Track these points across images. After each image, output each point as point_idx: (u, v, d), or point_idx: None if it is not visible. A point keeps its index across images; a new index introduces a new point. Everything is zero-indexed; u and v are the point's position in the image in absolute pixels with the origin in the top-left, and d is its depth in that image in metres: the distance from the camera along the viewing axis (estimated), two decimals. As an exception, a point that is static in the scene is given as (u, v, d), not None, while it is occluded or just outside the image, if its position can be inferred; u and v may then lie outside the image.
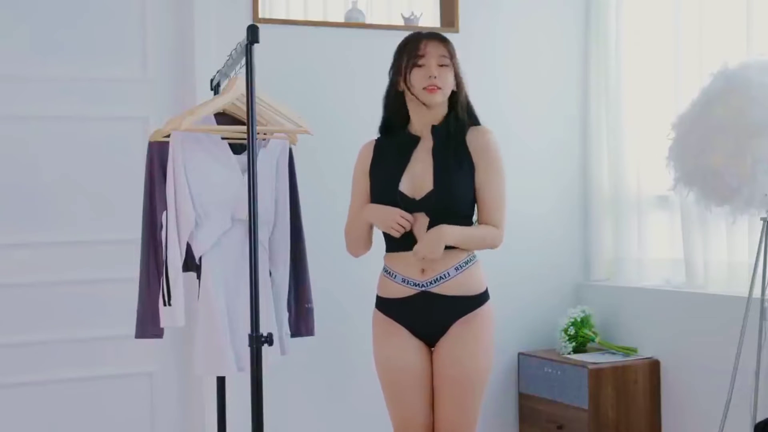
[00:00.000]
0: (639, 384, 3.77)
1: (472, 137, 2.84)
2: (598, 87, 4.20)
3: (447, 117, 2.85)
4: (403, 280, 2.79)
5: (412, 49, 2.81)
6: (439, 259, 2.73)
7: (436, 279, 2.77)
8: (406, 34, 2.89)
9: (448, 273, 2.77)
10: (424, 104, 2.81)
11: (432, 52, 2.79)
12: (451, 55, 2.82)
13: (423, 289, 2.77)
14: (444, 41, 2.83)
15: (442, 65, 2.79)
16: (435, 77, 2.76)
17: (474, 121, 2.89)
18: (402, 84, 2.82)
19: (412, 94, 2.81)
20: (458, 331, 2.78)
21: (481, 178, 2.81)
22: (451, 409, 2.78)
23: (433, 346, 2.82)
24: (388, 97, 2.91)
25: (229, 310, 2.91)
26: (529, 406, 4.03)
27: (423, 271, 2.77)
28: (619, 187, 4.07)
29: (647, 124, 3.92)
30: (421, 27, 3.92)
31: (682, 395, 3.71)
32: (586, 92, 4.26)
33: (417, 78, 2.78)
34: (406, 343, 2.80)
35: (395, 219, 2.75)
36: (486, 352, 2.81)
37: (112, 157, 3.55)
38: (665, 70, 3.84)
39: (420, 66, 2.78)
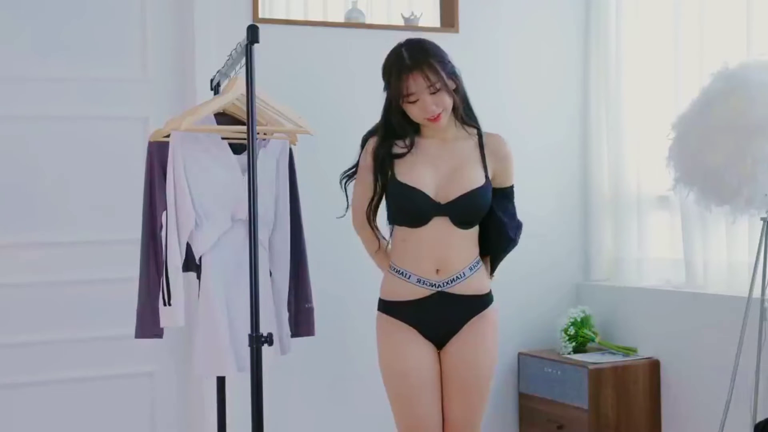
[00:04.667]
0: (639, 384, 3.77)
1: (489, 143, 2.84)
2: (598, 87, 4.20)
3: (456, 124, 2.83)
4: (419, 281, 2.76)
5: (399, 88, 2.70)
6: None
7: (452, 279, 2.76)
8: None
9: (463, 273, 2.76)
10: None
11: (420, 86, 2.68)
12: (439, 77, 2.69)
13: (439, 289, 2.76)
14: (426, 69, 2.68)
15: (434, 92, 2.69)
16: (434, 109, 2.70)
17: (473, 119, 2.88)
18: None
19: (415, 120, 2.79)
20: (468, 331, 2.78)
21: (498, 184, 2.85)
22: (462, 409, 2.78)
23: (440, 347, 2.81)
24: (388, 112, 2.81)
25: (229, 310, 2.91)
26: (529, 406, 4.03)
27: (438, 271, 2.76)
28: (619, 187, 4.07)
29: (647, 124, 3.92)
30: (420, 27, 3.93)
31: (682, 395, 3.71)
32: (586, 92, 4.26)
33: (415, 112, 2.73)
34: (416, 346, 2.78)
35: None
36: (494, 351, 2.83)
37: (112, 157, 3.55)
38: (665, 70, 3.84)
39: (413, 102, 2.71)
